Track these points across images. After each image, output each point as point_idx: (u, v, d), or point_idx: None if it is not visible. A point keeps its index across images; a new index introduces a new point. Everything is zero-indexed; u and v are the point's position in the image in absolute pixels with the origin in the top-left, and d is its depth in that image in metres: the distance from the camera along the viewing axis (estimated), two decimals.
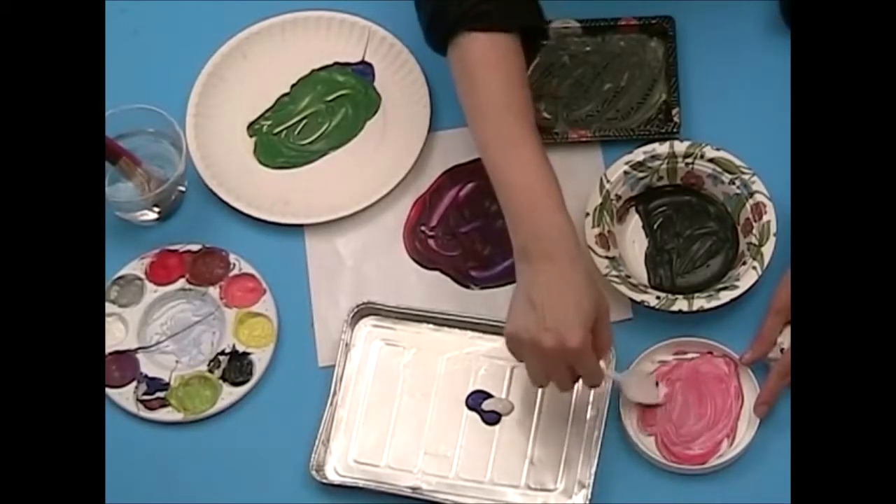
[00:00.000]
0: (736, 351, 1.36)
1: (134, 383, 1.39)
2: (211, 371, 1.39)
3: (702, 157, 1.40)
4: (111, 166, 1.42)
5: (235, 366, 1.39)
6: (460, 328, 1.39)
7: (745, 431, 1.33)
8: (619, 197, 1.41)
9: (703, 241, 1.41)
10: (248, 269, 1.43)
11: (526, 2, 1.33)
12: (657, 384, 1.34)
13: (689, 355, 1.37)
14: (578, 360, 1.25)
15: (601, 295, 1.27)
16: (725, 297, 1.35)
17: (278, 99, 1.51)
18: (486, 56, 1.29)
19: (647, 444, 1.33)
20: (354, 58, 1.52)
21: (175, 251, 1.44)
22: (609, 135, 1.45)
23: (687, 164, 1.41)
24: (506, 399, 1.37)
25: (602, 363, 1.29)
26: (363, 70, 1.52)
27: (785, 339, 1.34)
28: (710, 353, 1.36)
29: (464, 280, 1.43)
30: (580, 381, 1.29)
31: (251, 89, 1.51)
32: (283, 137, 1.49)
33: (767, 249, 1.36)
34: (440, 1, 1.30)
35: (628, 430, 1.33)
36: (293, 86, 1.51)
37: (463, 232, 1.45)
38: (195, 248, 1.44)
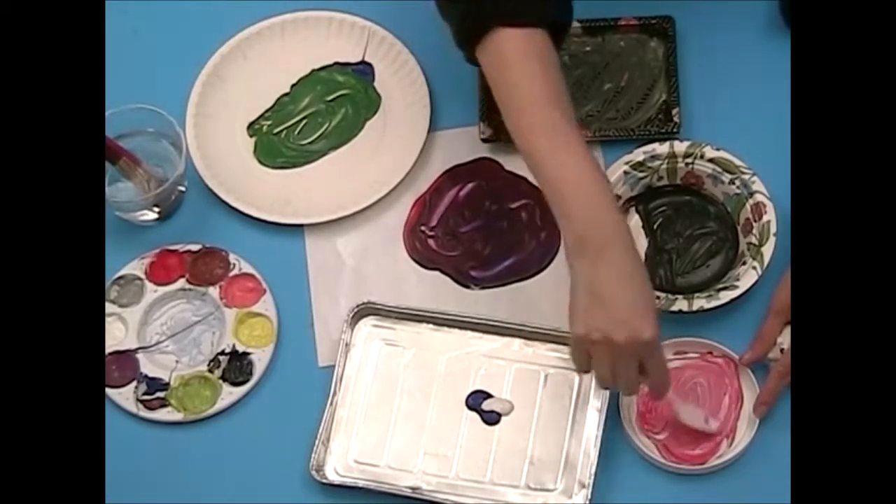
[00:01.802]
0: (736, 351, 1.36)
1: (134, 383, 1.39)
2: (211, 371, 1.39)
3: (702, 157, 1.40)
4: (111, 166, 1.42)
5: (235, 366, 1.39)
6: (460, 328, 1.39)
7: (745, 432, 1.33)
8: (618, 197, 1.41)
9: (703, 241, 1.41)
10: (248, 269, 1.43)
11: None
12: (706, 419, 1.34)
13: (689, 355, 1.37)
14: (651, 353, 1.22)
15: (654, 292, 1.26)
16: (725, 297, 1.35)
17: (278, 99, 1.51)
18: (525, 50, 1.27)
19: (647, 445, 1.33)
20: (354, 58, 1.52)
21: (175, 251, 1.44)
22: (609, 135, 1.45)
23: (687, 164, 1.41)
24: (506, 399, 1.37)
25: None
26: (363, 70, 1.52)
27: (785, 339, 1.34)
28: (710, 353, 1.36)
29: (464, 280, 1.43)
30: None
31: (251, 89, 1.51)
32: (283, 137, 1.49)
33: (767, 249, 1.36)
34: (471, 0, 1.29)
35: (628, 431, 1.33)
36: (293, 86, 1.51)
37: (463, 232, 1.45)
38: (195, 248, 1.44)
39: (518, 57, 1.27)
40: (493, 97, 1.28)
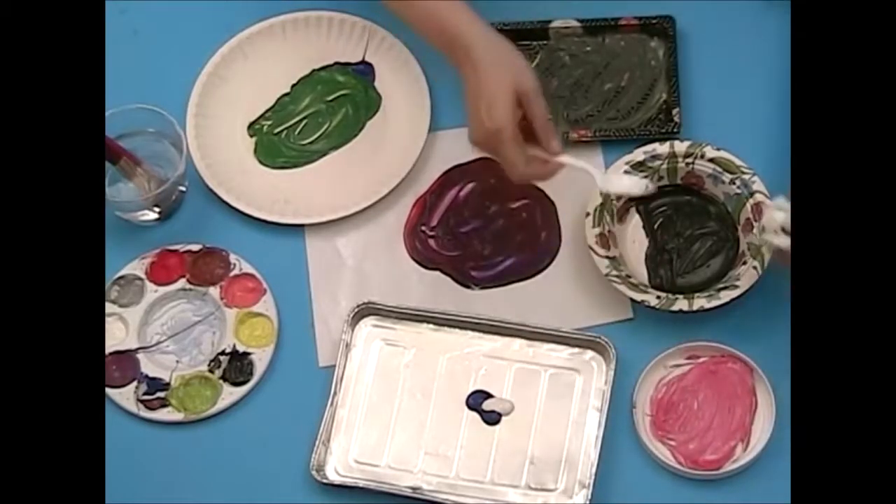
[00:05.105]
0: (744, 353, 1.35)
1: (134, 383, 1.39)
2: (211, 371, 1.39)
3: (702, 156, 1.40)
4: (111, 166, 1.42)
5: (236, 366, 1.39)
6: (460, 328, 1.39)
7: (760, 436, 1.32)
8: (619, 197, 1.41)
9: (703, 240, 1.41)
10: (248, 269, 1.43)
11: None
12: (647, 181, 1.34)
13: (702, 359, 1.36)
14: (501, 141, 1.29)
15: (521, 74, 1.30)
16: (726, 296, 1.35)
17: (278, 99, 1.51)
18: None
19: (661, 451, 1.33)
20: (354, 58, 1.52)
21: (175, 251, 1.44)
22: (609, 135, 1.45)
23: (687, 163, 1.41)
24: (506, 399, 1.37)
25: (584, 162, 1.34)
26: (363, 70, 1.52)
27: (785, 220, 1.28)
28: (723, 356, 1.36)
29: (464, 280, 1.42)
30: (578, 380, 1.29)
31: (251, 89, 1.51)
32: (284, 137, 1.49)
33: (767, 249, 1.36)
34: None
35: (642, 437, 1.33)
36: (293, 86, 1.51)
37: (463, 232, 1.45)
38: (195, 248, 1.44)
39: None
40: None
